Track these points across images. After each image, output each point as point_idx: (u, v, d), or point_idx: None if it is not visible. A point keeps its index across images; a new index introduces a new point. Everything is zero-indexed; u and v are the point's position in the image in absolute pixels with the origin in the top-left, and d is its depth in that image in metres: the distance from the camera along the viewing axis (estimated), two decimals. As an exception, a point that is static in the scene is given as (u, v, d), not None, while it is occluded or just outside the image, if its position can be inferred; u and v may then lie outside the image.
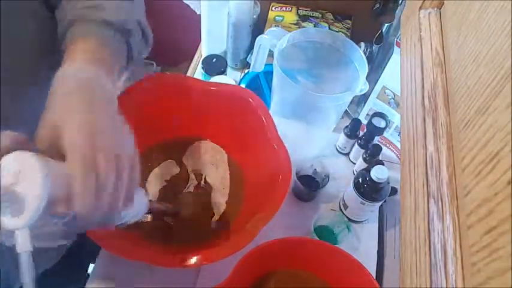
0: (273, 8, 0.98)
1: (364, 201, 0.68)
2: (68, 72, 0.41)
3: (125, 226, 0.49)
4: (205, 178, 0.74)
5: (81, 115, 0.37)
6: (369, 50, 0.85)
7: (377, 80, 0.77)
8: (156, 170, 0.74)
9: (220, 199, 0.72)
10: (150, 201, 0.60)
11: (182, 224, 0.67)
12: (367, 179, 0.67)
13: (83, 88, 0.39)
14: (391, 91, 0.76)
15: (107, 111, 0.40)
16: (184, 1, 1.23)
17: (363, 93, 0.65)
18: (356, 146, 0.79)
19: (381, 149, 0.73)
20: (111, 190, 0.37)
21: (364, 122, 0.82)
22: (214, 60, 0.91)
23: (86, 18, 0.46)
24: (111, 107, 0.42)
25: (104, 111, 0.39)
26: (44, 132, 0.37)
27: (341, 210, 0.75)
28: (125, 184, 0.39)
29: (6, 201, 0.31)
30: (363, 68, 0.66)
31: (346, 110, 0.86)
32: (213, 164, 0.76)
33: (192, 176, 0.74)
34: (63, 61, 0.43)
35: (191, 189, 0.72)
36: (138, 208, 0.49)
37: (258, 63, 0.78)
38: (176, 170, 0.75)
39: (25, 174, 0.32)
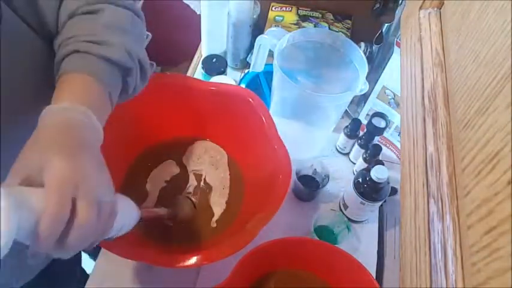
0: (273, 8, 0.98)
1: (364, 201, 0.68)
2: (56, 111, 0.39)
3: (113, 239, 0.49)
4: (204, 179, 0.74)
5: (63, 158, 0.35)
6: (368, 50, 0.85)
7: (377, 80, 0.77)
8: (155, 171, 0.74)
9: (220, 199, 0.72)
10: (145, 208, 0.60)
11: (182, 224, 0.67)
12: (367, 179, 0.67)
13: (68, 129, 0.38)
14: (391, 91, 0.76)
15: (89, 156, 0.38)
16: (184, 1, 1.23)
17: (363, 93, 0.65)
18: (356, 146, 0.79)
19: (380, 149, 0.73)
20: (83, 236, 0.36)
21: (364, 122, 0.82)
22: (214, 60, 0.91)
23: (87, 51, 0.44)
24: (95, 150, 0.40)
25: (87, 156, 0.38)
26: (20, 169, 0.35)
27: (341, 210, 0.75)
28: (99, 231, 0.38)
29: None
30: (363, 68, 0.65)
31: (346, 110, 0.86)
32: (213, 164, 0.76)
33: (192, 176, 0.74)
34: (53, 96, 0.41)
35: (190, 190, 0.72)
36: (123, 222, 0.48)
37: (258, 63, 0.78)
38: (176, 170, 0.75)
39: None
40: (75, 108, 0.40)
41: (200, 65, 0.91)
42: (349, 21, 0.97)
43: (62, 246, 0.35)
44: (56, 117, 0.39)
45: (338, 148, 0.85)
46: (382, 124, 0.76)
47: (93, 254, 0.86)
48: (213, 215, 0.69)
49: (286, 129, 0.71)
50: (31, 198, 0.33)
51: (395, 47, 0.71)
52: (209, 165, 0.76)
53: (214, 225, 0.68)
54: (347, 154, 0.84)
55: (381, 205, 0.77)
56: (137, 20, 0.51)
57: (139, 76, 0.51)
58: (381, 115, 0.76)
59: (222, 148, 0.77)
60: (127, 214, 0.50)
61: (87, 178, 0.36)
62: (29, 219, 0.33)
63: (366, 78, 0.64)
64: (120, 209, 0.44)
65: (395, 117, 0.78)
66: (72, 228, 0.35)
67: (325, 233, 0.71)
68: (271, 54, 0.70)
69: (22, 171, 0.35)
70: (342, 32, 0.94)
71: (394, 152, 0.84)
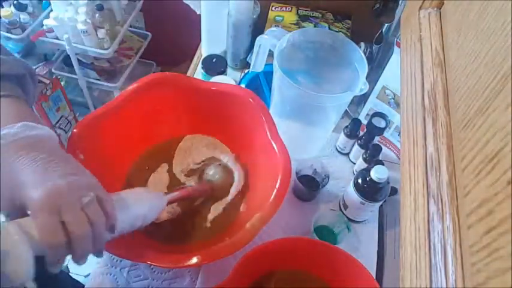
0: (273, 8, 0.98)
1: (364, 201, 0.68)
2: (13, 134, 0.41)
3: (142, 228, 0.53)
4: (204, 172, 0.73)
5: (36, 189, 0.38)
6: (369, 50, 0.85)
7: (377, 80, 0.77)
8: (154, 175, 0.74)
9: (237, 171, 0.71)
10: (174, 190, 0.62)
11: (182, 223, 0.67)
12: (367, 179, 0.67)
13: (33, 147, 0.40)
14: (391, 91, 0.76)
15: (55, 168, 0.40)
16: (184, 1, 1.23)
17: (363, 93, 0.65)
18: (356, 146, 0.79)
19: (380, 149, 0.73)
20: (85, 239, 0.39)
21: (364, 122, 0.82)
22: (214, 60, 0.91)
23: None
24: (56, 153, 0.42)
25: (54, 169, 0.40)
26: (4, 194, 0.39)
27: (341, 210, 0.75)
28: (102, 228, 0.41)
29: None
30: (363, 68, 0.65)
31: (346, 110, 0.86)
32: (207, 146, 0.76)
33: (183, 177, 0.73)
34: None
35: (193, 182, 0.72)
36: (144, 213, 0.52)
37: (258, 63, 0.78)
38: (166, 177, 0.73)
39: (11, 249, 0.36)
40: (26, 127, 0.42)
41: (200, 65, 0.91)
42: (349, 21, 0.97)
43: (76, 258, 0.39)
44: (18, 142, 0.40)
45: (338, 148, 0.84)
46: (382, 124, 0.75)
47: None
48: (209, 212, 0.69)
49: (286, 129, 0.71)
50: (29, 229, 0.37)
51: (395, 47, 0.71)
52: (205, 147, 0.75)
53: (209, 225, 0.68)
54: (347, 154, 0.84)
55: (381, 205, 0.77)
56: None
57: (31, 81, 0.51)
58: (380, 115, 0.76)
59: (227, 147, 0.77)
60: (146, 204, 0.53)
61: (62, 195, 0.38)
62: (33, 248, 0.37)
63: (366, 78, 0.64)
64: (137, 202, 0.50)
65: (395, 117, 0.78)
66: (73, 244, 0.38)
67: (325, 233, 0.71)
68: (271, 54, 0.70)
69: (4, 201, 0.39)
70: (342, 32, 0.94)
71: (394, 152, 0.84)
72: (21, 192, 0.38)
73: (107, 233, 0.43)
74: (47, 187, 0.38)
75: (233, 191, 0.69)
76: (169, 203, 0.59)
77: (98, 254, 0.42)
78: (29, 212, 0.38)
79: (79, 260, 0.40)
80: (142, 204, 0.52)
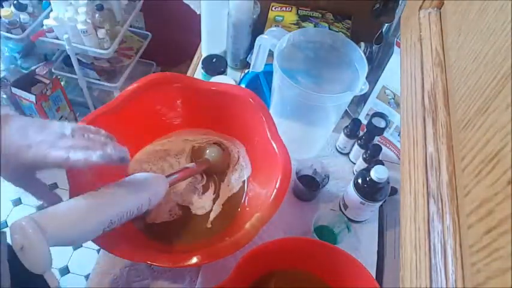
0: (273, 8, 0.98)
1: (364, 201, 0.68)
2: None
3: (149, 211, 0.60)
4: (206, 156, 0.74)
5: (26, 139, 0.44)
6: (369, 50, 0.85)
7: (377, 80, 0.77)
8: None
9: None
10: (175, 172, 0.65)
11: (183, 223, 0.67)
12: (367, 179, 0.67)
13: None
14: (391, 91, 0.76)
15: (35, 123, 0.47)
16: (184, 1, 1.23)
17: (363, 93, 0.65)
18: (356, 146, 0.79)
19: (380, 149, 0.73)
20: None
21: (364, 122, 0.82)
22: (214, 60, 0.91)
23: None
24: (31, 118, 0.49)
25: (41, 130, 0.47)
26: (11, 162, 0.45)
27: (341, 210, 0.75)
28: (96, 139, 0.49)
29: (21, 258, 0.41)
30: (363, 68, 0.65)
31: (346, 110, 0.86)
32: (205, 134, 0.77)
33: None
34: None
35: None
36: (148, 196, 0.55)
37: (258, 63, 0.78)
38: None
39: (29, 244, 0.40)
40: None
41: (200, 65, 0.91)
42: (349, 21, 0.97)
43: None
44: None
45: (338, 148, 0.85)
46: (382, 124, 0.75)
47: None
48: (210, 214, 0.69)
49: (286, 129, 0.71)
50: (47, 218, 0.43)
51: (395, 47, 0.71)
52: (200, 135, 0.76)
53: (209, 225, 0.68)
54: (347, 154, 0.84)
55: (381, 205, 0.77)
56: None
57: None
58: (380, 115, 0.76)
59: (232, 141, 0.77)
60: (150, 188, 0.56)
61: (47, 132, 0.46)
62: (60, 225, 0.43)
63: (366, 78, 0.64)
64: (142, 187, 0.54)
65: (395, 117, 0.78)
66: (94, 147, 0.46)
67: (325, 233, 0.71)
68: (271, 54, 0.70)
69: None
70: (342, 32, 0.94)
71: (394, 152, 0.84)
72: (22, 155, 0.44)
73: (109, 141, 0.48)
74: (36, 141, 0.44)
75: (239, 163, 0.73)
76: (171, 184, 0.62)
77: (123, 160, 0.48)
78: (39, 168, 0.45)
79: (114, 156, 0.46)
80: (147, 188, 0.55)
